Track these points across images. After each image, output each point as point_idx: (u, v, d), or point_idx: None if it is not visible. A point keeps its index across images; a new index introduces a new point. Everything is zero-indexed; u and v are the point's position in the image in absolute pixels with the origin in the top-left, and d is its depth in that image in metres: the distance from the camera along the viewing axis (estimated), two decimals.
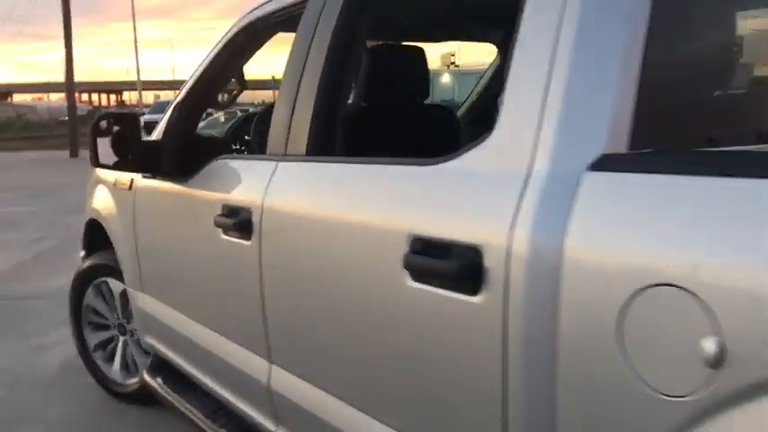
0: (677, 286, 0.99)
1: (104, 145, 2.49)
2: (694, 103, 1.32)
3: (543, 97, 1.24)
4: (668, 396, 1.01)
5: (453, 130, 2.34)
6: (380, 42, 2.40)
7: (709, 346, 0.95)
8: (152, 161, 2.56)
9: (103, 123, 2.47)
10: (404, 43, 2.42)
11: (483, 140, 1.36)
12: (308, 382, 1.85)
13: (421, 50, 2.31)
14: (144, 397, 3.16)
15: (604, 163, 1.15)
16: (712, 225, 1.00)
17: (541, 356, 1.17)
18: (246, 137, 3.03)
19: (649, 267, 1.03)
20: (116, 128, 2.48)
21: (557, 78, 1.23)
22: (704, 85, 1.36)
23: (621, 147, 1.18)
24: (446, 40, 3.25)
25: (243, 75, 2.70)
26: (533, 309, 1.18)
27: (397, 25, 2.64)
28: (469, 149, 1.38)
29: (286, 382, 1.94)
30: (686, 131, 1.28)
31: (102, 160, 2.50)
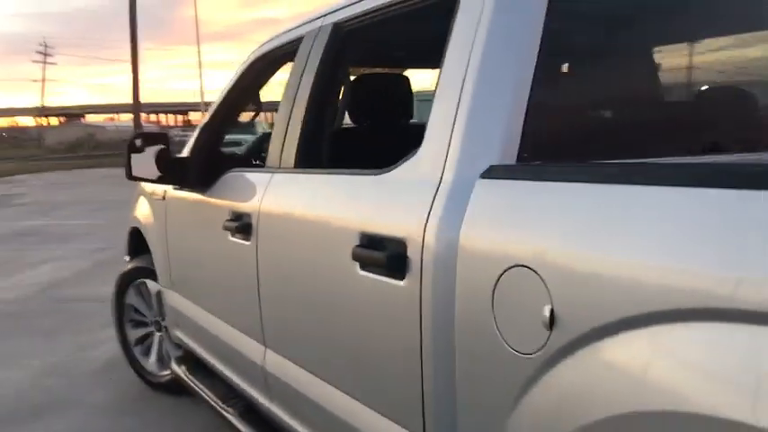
0: (527, 267, 1.27)
1: (139, 160, 2.87)
2: (575, 126, 1.59)
3: (453, 120, 1.54)
4: (522, 354, 1.29)
5: None
6: (367, 71, 2.73)
7: (546, 312, 1.22)
8: (180, 175, 2.93)
9: (138, 141, 2.86)
10: (388, 71, 2.74)
11: (414, 154, 1.66)
12: (290, 360, 2.17)
13: (403, 77, 2.62)
14: (176, 387, 3.52)
15: (491, 172, 1.43)
16: (553, 221, 1.27)
17: (443, 326, 1.46)
18: (263, 153, 3.39)
19: (511, 252, 1.31)
20: (161, 146, 2.86)
21: (463, 106, 1.53)
22: (583, 111, 1.63)
23: (511, 159, 1.46)
24: (427, 67, 3.56)
25: (260, 98, 3.06)
26: (438, 289, 1.47)
27: (385, 55, 2.96)
28: (404, 161, 1.68)
29: (276, 363, 2.26)
30: (570, 148, 1.55)
31: (135, 173, 2.88)
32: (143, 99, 24.53)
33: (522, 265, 1.28)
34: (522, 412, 1.30)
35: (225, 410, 2.66)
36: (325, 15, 2.26)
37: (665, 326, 1.06)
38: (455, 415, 1.48)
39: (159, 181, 2.97)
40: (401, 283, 1.58)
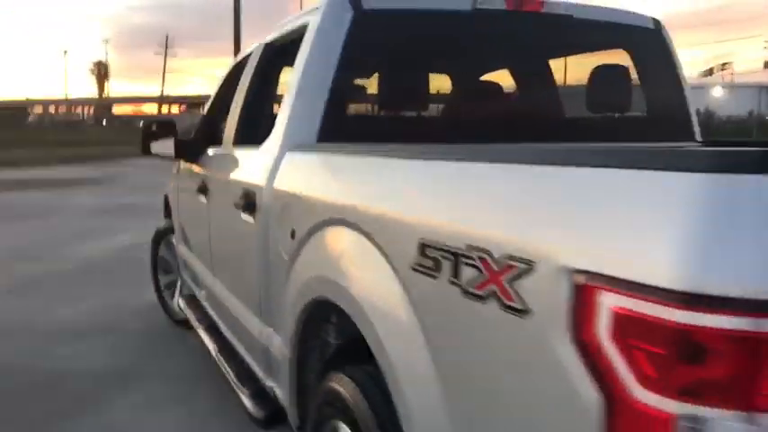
0: (289, 203, 2.09)
1: (153, 140, 3.83)
2: (353, 122, 2.39)
3: (285, 115, 2.37)
4: (285, 256, 2.10)
5: None
6: None
7: (290, 229, 2.04)
8: (183, 151, 3.86)
9: (150, 125, 3.82)
10: None
11: (270, 134, 2.49)
12: (218, 280, 3.06)
13: None
14: (189, 322, 4.48)
15: (293, 148, 2.26)
16: (307, 175, 2.09)
17: (264, 242, 2.30)
18: None
19: (285, 195, 2.14)
20: (170, 130, 3.79)
21: (289, 106, 2.36)
22: (358, 114, 2.42)
23: (312, 140, 2.28)
24: None
25: None
26: (265, 220, 2.31)
27: None
28: (265, 140, 2.52)
29: (215, 284, 3.16)
30: (348, 135, 2.35)
31: (152, 150, 3.84)
32: None
33: (287, 203, 2.10)
34: (288, 288, 2.11)
35: (197, 327, 3.58)
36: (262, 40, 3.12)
37: (325, 229, 1.85)
38: (270, 296, 2.32)
39: (170, 156, 3.90)
40: (253, 219, 2.43)
